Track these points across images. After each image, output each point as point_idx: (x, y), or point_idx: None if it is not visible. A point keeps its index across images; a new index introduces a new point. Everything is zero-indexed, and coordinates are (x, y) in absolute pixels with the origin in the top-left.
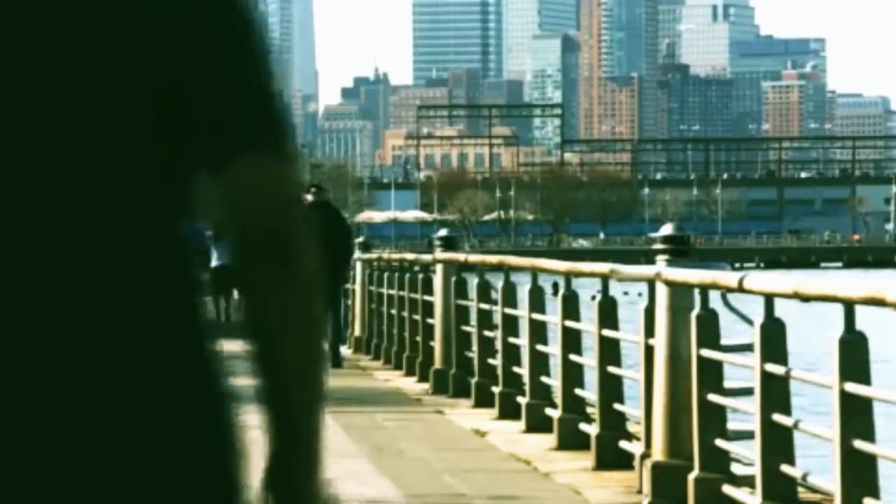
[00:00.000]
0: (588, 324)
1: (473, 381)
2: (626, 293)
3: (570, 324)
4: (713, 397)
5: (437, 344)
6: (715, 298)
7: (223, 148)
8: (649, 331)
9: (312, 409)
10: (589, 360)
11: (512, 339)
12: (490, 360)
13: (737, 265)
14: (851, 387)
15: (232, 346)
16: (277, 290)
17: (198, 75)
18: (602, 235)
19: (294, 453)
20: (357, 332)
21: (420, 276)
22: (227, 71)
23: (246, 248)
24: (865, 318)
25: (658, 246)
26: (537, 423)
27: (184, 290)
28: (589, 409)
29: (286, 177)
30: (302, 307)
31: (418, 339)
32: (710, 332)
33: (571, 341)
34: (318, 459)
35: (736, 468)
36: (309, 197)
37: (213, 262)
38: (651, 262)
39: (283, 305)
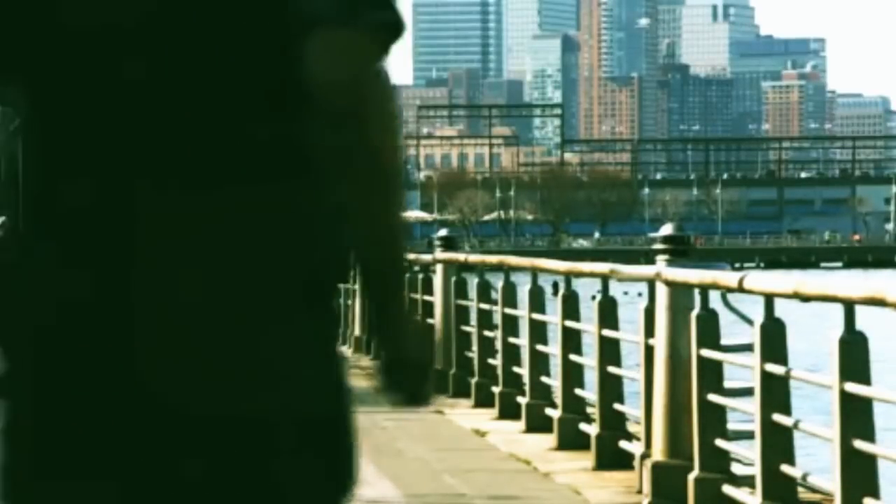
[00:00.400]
0: (588, 324)
1: (473, 381)
2: (626, 293)
3: (570, 324)
4: (713, 397)
5: (436, 344)
6: (715, 298)
7: (302, 21)
8: (649, 331)
9: (395, 255)
10: (589, 360)
11: (512, 339)
12: (490, 360)
13: (737, 265)
14: (851, 387)
15: None
16: (350, 162)
17: None
18: (596, 235)
19: (386, 291)
20: (357, 331)
21: (420, 276)
22: None
23: (321, 121)
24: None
25: (658, 246)
26: (537, 423)
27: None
28: (589, 409)
29: (360, 51)
30: (374, 175)
31: None
32: (710, 332)
33: (571, 341)
34: (405, 293)
35: (736, 468)
36: None
37: None
38: (651, 262)
39: (357, 174)
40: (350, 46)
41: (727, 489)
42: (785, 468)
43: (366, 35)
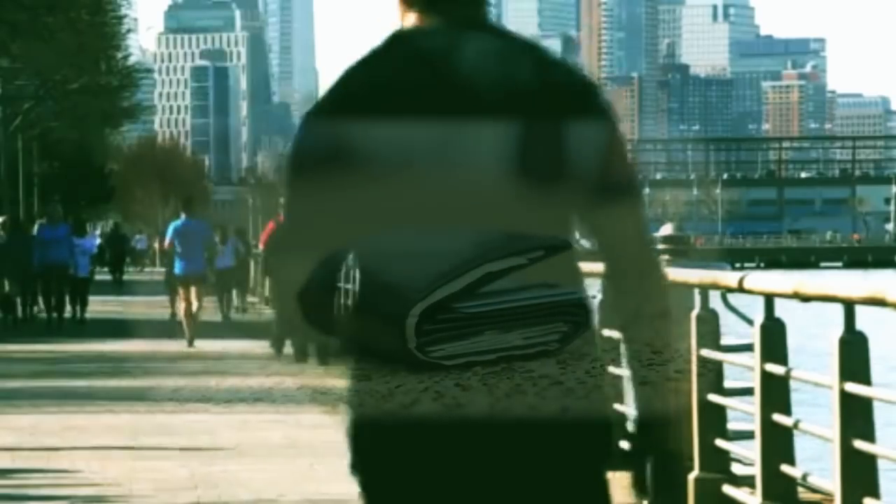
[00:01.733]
0: None
1: None
2: None
3: None
4: (713, 397)
5: None
6: (715, 298)
7: (599, 202)
8: None
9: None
10: None
11: None
12: None
13: (737, 265)
14: (851, 387)
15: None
16: (639, 299)
17: (587, 163)
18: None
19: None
20: None
21: None
22: (606, 164)
23: (617, 276)
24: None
25: (658, 246)
26: None
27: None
28: None
29: (640, 222)
30: (658, 305)
31: None
32: (710, 332)
33: None
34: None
35: (736, 468)
36: None
37: (219, 264)
38: None
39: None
40: (632, 222)
41: (727, 489)
42: (785, 468)
43: (639, 212)
